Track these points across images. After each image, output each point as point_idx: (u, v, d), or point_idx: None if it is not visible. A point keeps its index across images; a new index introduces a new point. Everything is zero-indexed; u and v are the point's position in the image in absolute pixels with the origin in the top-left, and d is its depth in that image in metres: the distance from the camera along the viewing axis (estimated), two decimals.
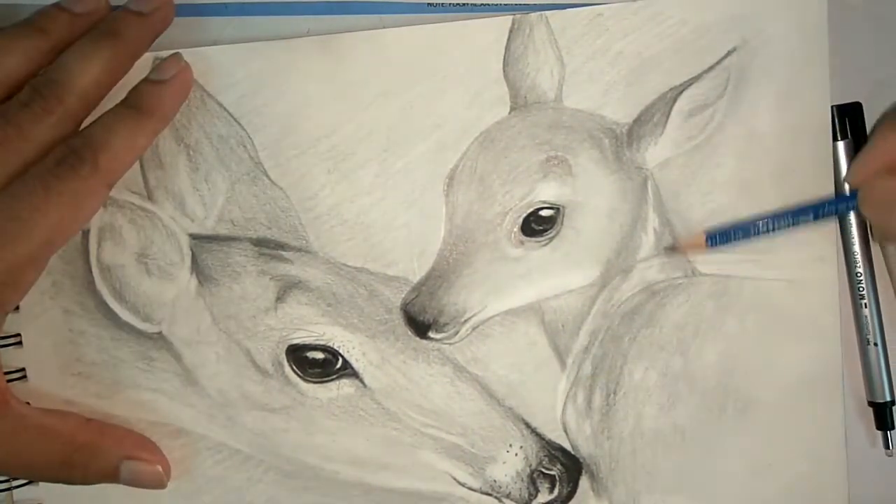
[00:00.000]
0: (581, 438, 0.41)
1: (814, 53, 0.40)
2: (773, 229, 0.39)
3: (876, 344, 0.41)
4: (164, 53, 0.39)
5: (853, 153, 0.41)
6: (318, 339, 0.40)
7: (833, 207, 0.39)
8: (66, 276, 0.40)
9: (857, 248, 0.41)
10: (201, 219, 0.40)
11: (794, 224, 0.39)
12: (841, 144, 0.41)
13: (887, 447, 0.41)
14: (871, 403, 0.41)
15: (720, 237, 0.40)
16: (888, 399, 0.41)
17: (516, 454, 0.41)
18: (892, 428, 0.41)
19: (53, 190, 0.35)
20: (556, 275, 0.41)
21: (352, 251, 0.40)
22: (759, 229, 0.39)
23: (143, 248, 0.40)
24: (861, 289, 0.41)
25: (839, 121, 0.41)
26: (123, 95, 0.38)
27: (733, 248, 0.40)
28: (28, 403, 0.38)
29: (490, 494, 0.41)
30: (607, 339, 0.41)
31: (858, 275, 0.41)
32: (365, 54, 0.40)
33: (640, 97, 0.40)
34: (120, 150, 0.36)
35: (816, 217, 0.39)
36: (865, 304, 0.41)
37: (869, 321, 0.41)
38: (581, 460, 0.41)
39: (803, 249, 0.41)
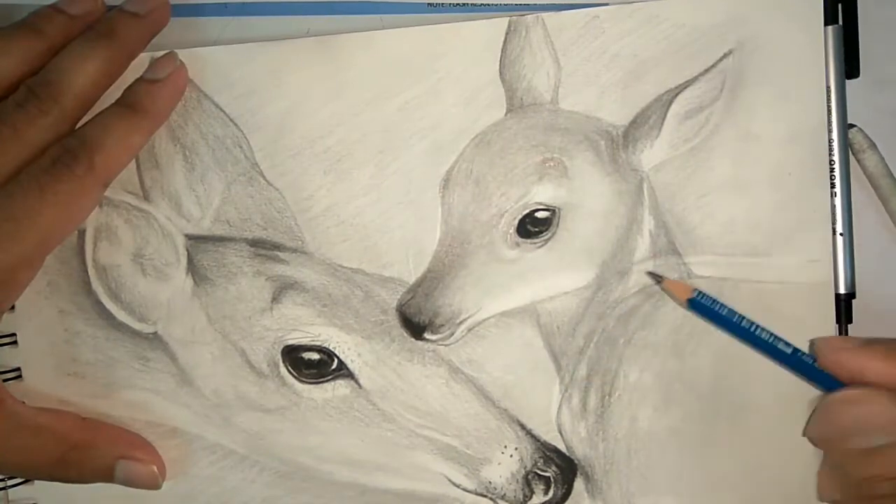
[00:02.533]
0: (576, 440, 0.41)
1: (809, 56, 0.40)
2: (751, 333, 0.39)
3: (842, 234, 0.41)
4: (161, 54, 0.39)
5: (843, 40, 0.40)
6: (313, 340, 0.40)
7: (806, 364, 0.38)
8: (62, 275, 0.40)
9: (834, 135, 0.41)
10: (197, 219, 0.40)
11: (769, 345, 0.38)
12: (830, 29, 0.40)
13: None
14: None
15: (703, 301, 0.39)
16: (850, 291, 0.41)
17: (511, 455, 0.41)
18: (851, 321, 0.41)
19: (49, 190, 0.35)
20: (552, 276, 0.41)
21: (347, 252, 0.40)
22: (739, 323, 0.39)
23: (139, 248, 0.40)
24: (833, 176, 0.41)
25: (830, 3, 0.40)
26: (119, 95, 0.38)
27: (719, 308, 0.39)
28: (23, 402, 0.38)
29: (485, 496, 0.41)
30: (602, 341, 0.41)
31: (832, 162, 0.41)
32: (361, 55, 0.40)
33: (636, 99, 0.40)
34: (115, 149, 0.37)
35: (791, 358, 0.38)
36: (836, 192, 0.41)
37: (837, 210, 0.41)
38: (576, 462, 0.41)
39: (798, 252, 0.41)
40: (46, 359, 0.40)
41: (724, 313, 0.39)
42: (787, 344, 0.38)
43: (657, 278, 0.40)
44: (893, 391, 0.32)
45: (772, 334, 0.38)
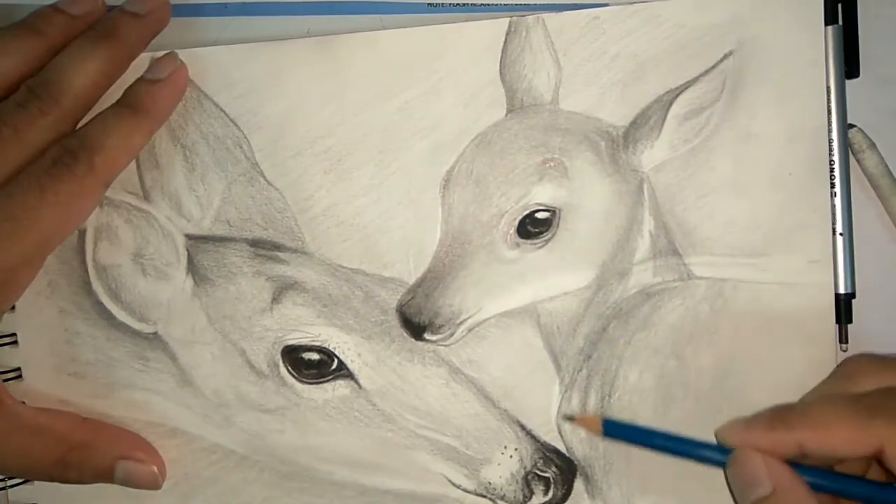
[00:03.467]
0: (576, 440, 0.41)
1: (809, 56, 0.40)
2: (668, 449, 0.37)
3: (842, 234, 0.41)
4: (162, 54, 0.39)
5: (843, 40, 0.40)
6: (313, 340, 0.40)
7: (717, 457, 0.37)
8: (62, 275, 0.40)
9: (834, 135, 0.40)
10: (197, 219, 0.40)
11: (686, 453, 0.37)
12: (830, 29, 0.40)
13: (843, 342, 0.41)
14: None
15: (616, 429, 0.38)
16: (849, 291, 0.41)
17: (511, 456, 0.41)
18: (851, 321, 0.41)
19: (49, 190, 0.35)
20: (552, 277, 0.41)
21: (348, 252, 0.40)
22: (656, 442, 0.37)
23: (139, 248, 0.40)
24: (833, 177, 0.41)
25: (830, 3, 0.40)
26: (120, 95, 0.38)
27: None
28: (23, 403, 0.38)
29: (485, 496, 0.41)
30: (602, 342, 0.41)
31: (832, 162, 0.41)
32: (361, 56, 0.40)
33: (637, 100, 0.40)
34: (115, 149, 0.37)
35: (701, 459, 0.37)
36: (836, 192, 0.41)
37: (837, 210, 0.41)
38: (576, 462, 0.41)
39: (798, 252, 0.41)
40: (46, 359, 0.40)
41: (636, 439, 0.38)
42: (700, 443, 0.37)
43: (569, 418, 0.40)
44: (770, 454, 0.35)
45: (686, 444, 0.37)
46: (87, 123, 0.37)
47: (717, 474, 0.41)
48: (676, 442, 0.37)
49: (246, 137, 0.40)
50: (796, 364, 0.41)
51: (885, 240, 0.42)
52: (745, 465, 0.35)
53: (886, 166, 0.41)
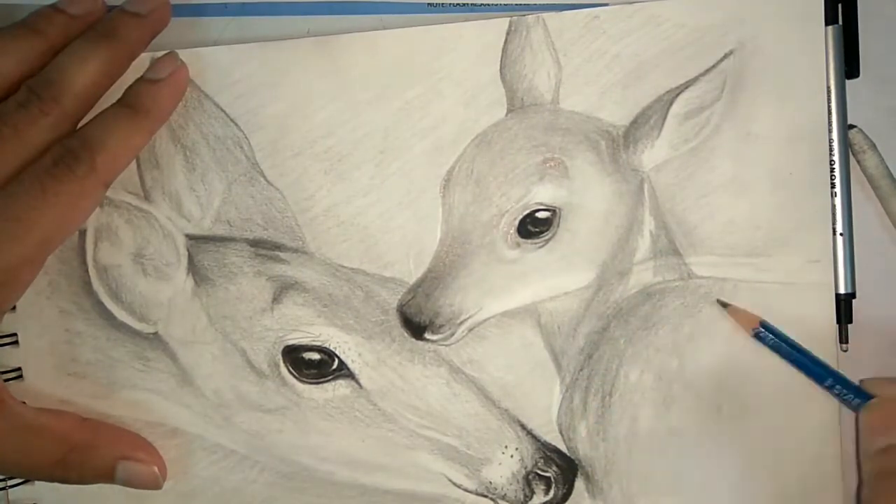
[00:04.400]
0: (576, 440, 0.41)
1: (809, 56, 0.40)
2: (809, 371, 0.40)
3: (842, 234, 0.41)
4: (162, 54, 0.39)
5: (843, 40, 0.41)
6: (314, 340, 0.40)
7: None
8: (63, 275, 0.40)
9: (834, 135, 0.41)
10: (198, 219, 0.40)
11: (823, 378, 0.40)
12: (830, 29, 0.41)
13: (843, 342, 0.41)
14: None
15: (768, 332, 0.40)
16: (849, 291, 0.41)
17: (512, 456, 0.41)
18: (851, 321, 0.41)
19: (50, 190, 0.35)
20: (552, 277, 0.41)
21: (348, 252, 0.40)
22: (799, 359, 0.40)
23: (140, 248, 0.40)
24: (833, 177, 0.41)
25: (830, 3, 0.40)
26: (120, 95, 0.38)
27: (776, 343, 0.40)
28: (24, 403, 0.38)
29: (485, 496, 0.41)
30: (603, 341, 0.41)
31: (832, 163, 0.41)
32: (361, 55, 0.40)
33: (637, 100, 0.40)
34: (116, 149, 0.37)
35: (840, 393, 0.40)
36: (836, 192, 0.41)
37: (837, 210, 0.41)
38: (576, 462, 0.41)
39: (798, 252, 0.41)
40: (47, 359, 0.40)
41: (785, 347, 0.40)
42: (843, 378, 0.40)
43: (723, 303, 0.41)
44: None
45: (830, 369, 0.41)
46: (87, 123, 0.37)
47: (717, 474, 0.41)
48: (820, 367, 0.40)
49: (246, 137, 0.40)
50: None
51: (885, 240, 0.42)
52: (889, 413, 0.39)
53: (886, 167, 0.42)
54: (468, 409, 0.41)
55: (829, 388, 0.40)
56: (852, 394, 0.40)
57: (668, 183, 0.41)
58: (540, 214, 0.40)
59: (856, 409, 0.40)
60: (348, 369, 0.40)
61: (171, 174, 0.40)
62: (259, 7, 0.41)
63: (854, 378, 0.41)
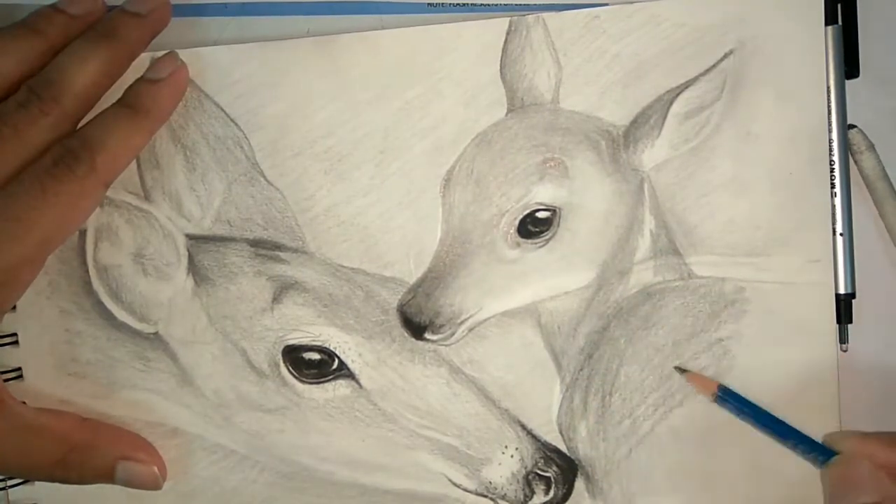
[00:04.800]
0: (577, 440, 0.41)
1: (809, 56, 0.40)
2: (773, 431, 0.39)
3: (842, 234, 0.41)
4: (162, 54, 0.39)
5: (843, 40, 0.41)
6: (314, 340, 0.40)
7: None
8: (63, 275, 0.40)
9: (834, 135, 0.41)
10: (198, 219, 0.40)
11: (788, 438, 0.39)
12: (830, 29, 0.41)
13: (844, 342, 0.41)
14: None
15: (729, 397, 0.40)
16: (849, 291, 0.41)
17: (512, 456, 0.41)
18: (851, 321, 0.41)
19: (50, 190, 0.35)
20: (553, 276, 0.41)
21: (348, 252, 0.40)
22: (763, 421, 0.40)
23: (140, 248, 0.40)
24: (833, 177, 0.41)
25: (830, 3, 0.40)
26: (120, 95, 0.38)
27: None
28: (24, 403, 0.38)
29: (485, 496, 0.41)
30: (603, 341, 0.41)
31: (832, 163, 0.41)
32: (361, 55, 0.40)
33: (637, 99, 0.40)
34: (116, 149, 0.37)
35: (803, 451, 0.39)
36: (836, 192, 0.41)
37: (837, 210, 0.41)
38: (576, 462, 0.41)
39: (798, 252, 0.41)
40: (47, 359, 0.40)
41: (747, 411, 0.40)
42: (805, 437, 0.39)
43: (681, 370, 0.41)
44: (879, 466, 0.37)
45: (791, 428, 0.39)
46: (87, 123, 0.37)
47: (716, 474, 0.41)
48: (782, 427, 0.39)
49: (246, 137, 0.40)
50: (796, 364, 0.41)
51: (885, 240, 0.42)
52: (855, 470, 0.36)
53: (883, 169, 0.42)
54: (468, 408, 0.41)
55: (793, 448, 0.39)
56: (816, 451, 0.38)
57: (668, 182, 0.41)
58: (540, 214, 0.40)
59: (820, 466, 0.38)
60: (348, 369, 0.40)
61: (172, 174, 0.40)
62: (259, 7, 0.41)
63: (854, 378, 0.41)
